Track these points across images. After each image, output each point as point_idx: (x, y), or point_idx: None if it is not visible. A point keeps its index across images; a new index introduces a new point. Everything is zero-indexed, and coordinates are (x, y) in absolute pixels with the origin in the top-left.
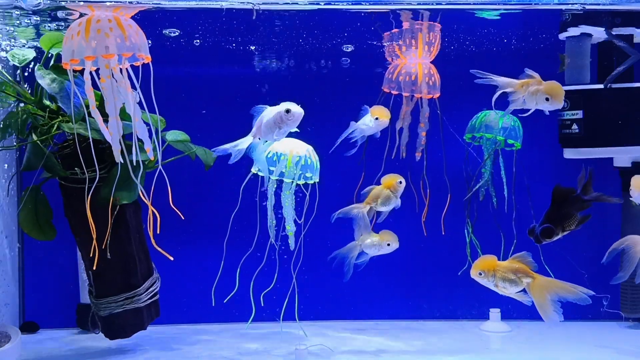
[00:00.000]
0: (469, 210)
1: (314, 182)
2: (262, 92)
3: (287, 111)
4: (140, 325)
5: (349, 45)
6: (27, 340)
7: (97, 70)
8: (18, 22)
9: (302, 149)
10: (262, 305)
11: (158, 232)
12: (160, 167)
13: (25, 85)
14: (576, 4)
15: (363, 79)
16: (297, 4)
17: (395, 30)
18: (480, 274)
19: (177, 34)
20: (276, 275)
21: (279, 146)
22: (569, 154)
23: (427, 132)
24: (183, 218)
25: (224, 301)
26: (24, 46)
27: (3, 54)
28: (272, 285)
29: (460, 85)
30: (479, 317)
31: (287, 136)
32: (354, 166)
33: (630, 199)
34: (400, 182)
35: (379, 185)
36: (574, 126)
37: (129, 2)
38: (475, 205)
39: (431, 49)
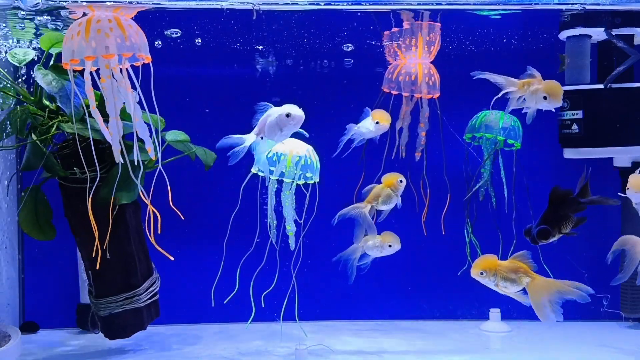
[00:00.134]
0: (469, 211)
1: (314, 182)
2: (262, 92)
3: (288, 115)
4: (140, 325)
5: (349, 45)
6: (27, 340)
7: (97, 70)
8: (17, 22)
9: (302, 149)
10: (263, 306)
11: (159, 232)
12: (160, 167)
13: (21, 84)
14: (576, 4)
15: (363, 79)
16: (297, 4)
17: (395, 30)
18: (481, 273)
19: (178, 34)
20: (277, 275)
21: (279, 146)
22: (569, 154)
23: (427, 132)
24: (183, 218)
25: (224, 302)
26: (23, 46)
27: (2, 54)
28: (273, 286)
29: (460, 85)
30: (479, 317)
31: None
32: (354, 166)
33: (624, 195)
34: (401, 181)
35: (379, 184)
36: (574, 126)
37: (129, 2)
38: (475, 206)
39: (431, 49)
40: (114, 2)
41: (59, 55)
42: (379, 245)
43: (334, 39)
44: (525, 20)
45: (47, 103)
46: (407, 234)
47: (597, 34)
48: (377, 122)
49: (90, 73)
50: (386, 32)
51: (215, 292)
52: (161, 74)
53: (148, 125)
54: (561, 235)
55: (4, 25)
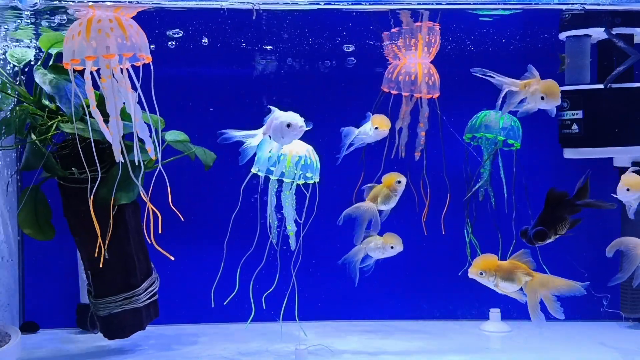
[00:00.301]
0: (469, 211)
1: (314, 182)
2: (261, 92)
3: (288, 125)
4: (139, 326)
5: (350, 45)
6: (27, 340)
7: (97, 70)
8: (16, 22)
9: (302, 149)
10: (264, 307)
11: (160, 232)
12: (160, 166)
13: (21, 84)
14: (576, 4)
15: (363, 79)
16: (297, 4)
17: (394, 29)
18: (481, 273)
19: (180, 34)
20: (278, 275)
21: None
22: (569, 154)
23: (427, 132)
24: (183, 219)
25: (224, 303)
26: (22, 46)
27: (1, 54)
28: (273, 287)
29: (460, 85)
30: (479, 317)
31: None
32: (354, 166)
33: (615, 196)
34: (399, 182)
35: (379, 184)
36: (574, 126)
37: (129, 2)
38: (475, 206)
39: (431, 48)
40: (114, 2)
41: (58, 55)
42: (381, 246)
43: (334, 38)
44: (525, 20)
45: (47, 103)
46: (407, 234)
47: (597, 33)
48: (376, 128)
49: (90, 73)
50: (385, 33)
51: (215, 292)
52: (160, 74)
53: (148, 125)
54: (557, 236)
55: (3, 25)
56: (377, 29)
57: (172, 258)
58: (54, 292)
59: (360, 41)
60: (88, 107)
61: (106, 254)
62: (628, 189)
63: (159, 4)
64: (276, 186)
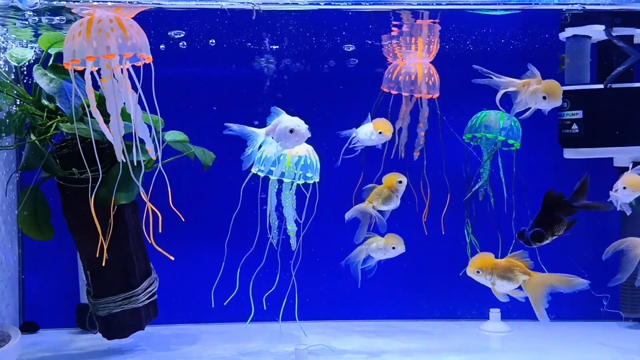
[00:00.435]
0: (469, 211)
1: (314, 182)
2: (261, 92)
3: (291, 131)
4: (139, 326)
5: (350, 45)
6: (27, 340)
7: (97, 70)
8: (16, 22)
9: (302, 149)
10: (265, 308)
11: (160, 231)
12: (160, 166)
13: (20, 84)
14: (576, 4)
15: (363, 79)
16: (297, 4)
17: (395, 30)
18: (478, 272)
19: (182, 35)
20: (278, 275)
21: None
22: (569, 154)
23: (427, 132)
24: (183, 220)
25: (225, 303)
26: (22, 45)
27: (1, 53)
28: (274, 287)
29: (460, 85)
30: (479, 317)
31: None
32: (354, 166)
33: (614, 193)
34: (400, 182)
35: (380, 185)
36: (574, 126)
37: (129, 2)
38: (474, 206)
39: (431, 49)
40: (114, 2)
41: (57, 54)
42: (383, 247)
43: (334, 39)
44: (525, 20)
45: (46, 103)
46: (407, 234)
47: (597, 34)
48: (380, 132)
49: (90, 73)
50: (386, 32)
51: (215, 293)
52: (159, 74)
53: (148, 125)
54: (554, 237)
55: (2, 25)
56: (377, 29)
57: (172, 258)
58: (54, 292)
59: (360, 41)
60: (88, 107)
61: (106, 254)
62: (625, 188)
63: (159, 4)
64: (276, 186)
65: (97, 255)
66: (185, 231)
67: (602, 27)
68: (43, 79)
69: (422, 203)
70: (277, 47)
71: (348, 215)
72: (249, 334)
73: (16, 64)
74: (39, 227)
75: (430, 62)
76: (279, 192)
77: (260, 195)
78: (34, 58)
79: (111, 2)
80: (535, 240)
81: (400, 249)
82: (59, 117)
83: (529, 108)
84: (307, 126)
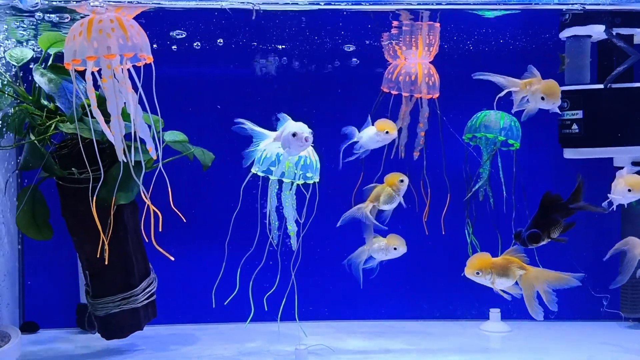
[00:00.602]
0: (469, 211)
1: (314, 182)
2: (261, 92)
3: (294, 135)
4: (137, 326)
5: (350, 45)
6: (27, 340)
7: (97, 71)
8: (16, 22)
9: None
10: (267, 309)
11: (160, 230)
12: (160, 166)
13: (18, 84)
14: (576, 4)
15: (363, 79)
16: (297, 4)
17: (394, 30)
18: (477, 273)
19: (183, 35)
20: (279, 275)
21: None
22: (569, 154)
23: (427, 133)
24: (185, 220)
25: (225, 302)
26: (21, 45)
27: (1, 53)
28: (274, 287)
29: (460, 85)
30: (479, 317)
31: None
32: (354, 166)
33: (612, 196)
34: (402, 181)
35: (381, 184)
36: (574, 126)
37: (129, 2)
38: (474, 206)
39: (431, 49)
40: (115, 2)
41: (57, 54)
42: (385, 248)
43: (334, 39)
44: (525, 20)
45: (46, 103)
46: (407, 234)
47: (597, 33)
48: (386, 132)
49: (91, 73)
50: (385, 32)
51: (215, 293)
52: (159, 74)
53: (148, 125)
54: (550, 239)
55: (2, 24)
56: (377, 29)
57: (172, 258)
58: (54, 292)
59: (360, 41)
60: (88, 106)
61: (104, 255)
62: (630, 190)
63: (159, 4)
64: (276, 186)
65: (98, 256)
66: (185, 231)
67: (602, 27)
68: (43, 79)
69: (422, 203)
70: (277, 47)
71: (346, 216)
72: (249, 334)
73: (15, 64)
74: (37, 227)
75: (430, 62)
76: (279, 192)
77: (260, 195)
78: (33, 57)
79: (112, 1)
80: (531, 241)
81: (402, 249)
82: (58, 117)
83: (527, 109)
84: (310, 131)
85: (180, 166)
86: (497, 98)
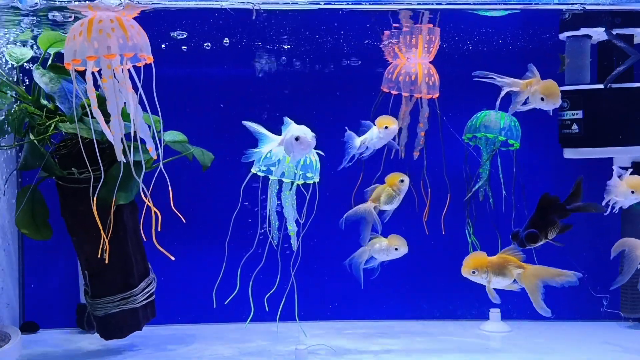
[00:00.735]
0: (469, 211)
1: (314, 182)
2: (261, 92)
3: (297, 139)
4: (136, 326)
5: (350, 46)
6: (27, 340)
7: (97, 71)
8: (15, 21)
9: None
10: (267, 309)
11: (160, 229)
12: (161, 166)
13: (19, 84)
14: (576, 4)
15: (363, 79)
16: (297, 4)
17: (395, 30)
18: (473, 272)
19: (184, 36)
20: (279, 276)
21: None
22: (569, 154)
23: (427, 133)
24: (185, 221)
25: (225, 302)
26: (21, 45)
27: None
28: (275, 288)
29: (460, 85)
30: (479, 317)
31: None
32: (354, 166)
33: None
34: (402, 181)
35: (382, 184)
36: (574, 126)
37: (128, 2)
38: (474, 206)
39: (431, 48)
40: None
41: (57, 54)
42: (386, 248)
43: (334, 39)
44: (525, 20)
45: (45, 102)
46: (407, 234)
47: (597, 34)
48: (385, 127)
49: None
50: (386, 32)
51: (215, 293)
52: (159, 74)
53: (148, 125)
54: (547, 240)
55: (2, 24)
56: (378, 29)
57: (173, 258)
58: (54, 292)
59: (360, 41)
60: (88, 106)
61: (104, 255)
62: (633, 192)
63: (159, 3)
64: (276, 186)
65: (99, 256)
66: (185, 231)
67: (602, 29)
68: (42, 79)
69: (422, 203)
70: (277, 47)
71: (347, 216)
72: (249, 334)
73: (15, 64)
74: (36, 227)
75: (430, 62)
76: (279, 192)
77: (260, 195)
78: (33, 56)
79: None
80: (529, 241)
81: (403, 250)
82: (57, 116)
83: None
84: (313, 135)
85: (180, 166)
86: (498, 99)
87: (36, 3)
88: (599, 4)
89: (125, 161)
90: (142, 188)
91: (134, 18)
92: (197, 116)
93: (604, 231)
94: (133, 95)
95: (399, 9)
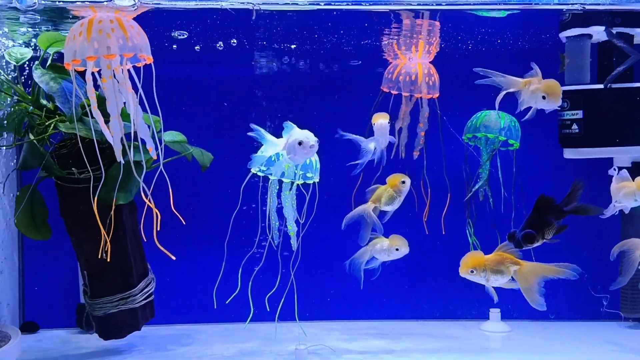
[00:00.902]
0: (469, 211)
1: (314, 182)
2: (260, 92)
3: (300, 143)
4: (135, 326)
5: (350, 46)
6: (27, 340)
7: (97, 71)
8: (15, 21)
9: None
10: (268, 309)
11: (159, 229)
12: (161, 166)
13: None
14: (576, 4)
15: (363, 79)
16: (297, 4)
17: (394, 30)
18: (472, 271)
19: (185, 36)
20: (279, 276)
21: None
22: (569, 154)
23: (427, 132)
24: (184, 222)
25: (226, 302)
26: (21, 45)
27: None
28: (275, 288)
29: (460, 85)
30: (479, 317)
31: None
32: (354, 166)
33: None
34: (404, 182)
35: (383, 185)
36: (574, 126)
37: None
38: (474, 206)
39: (431, 48)
40: (111, 2)
41: (57, 54)
42: (387, 248)
43: (334, 39)
44: (525, 20)
45: (45, 102)
46: (407, 234)
47: (597, 34)
48: (379, 121)
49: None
50: (386, 32)
51: (211, 293)
52: (158, 74)
53: (148, 125)
54: (543, 241)
55: (1, 24)
56: (378, 29)
57: (174, 258)
58: (54, 292)
59: (360, 41)
60: (88, 106)
61: (104, 255)
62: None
63: (159, 3)
64: (276, 186)
65: (99, 257)
66: (185, 231)
67: (602, 28)
68: (42, 79)
69: (422, 203)
70: (277, 47)
71: (349, 217)
72: (249, 334)
73: (15, 63)
74: (36, 227)
75: (430, 62)
76: (279, 192)
77: (260, 195)
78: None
79: (107, 1)
80: (526, 241)
81: (404, 250)
82: (57, 116)
83: (530, 108)
84: (316, 139)
85: (180, 166)
86: (498, 99)
87: (35, 3)
88: (599, 4)
89: (124, 162)
90: (143, 188)
91: (134, 18)
92: (196, 116)
93: (604, 231)
94: (133, 95)
95: (399, 9)
